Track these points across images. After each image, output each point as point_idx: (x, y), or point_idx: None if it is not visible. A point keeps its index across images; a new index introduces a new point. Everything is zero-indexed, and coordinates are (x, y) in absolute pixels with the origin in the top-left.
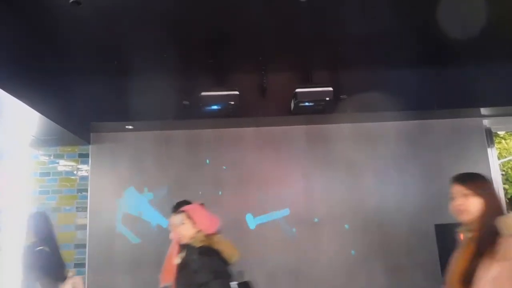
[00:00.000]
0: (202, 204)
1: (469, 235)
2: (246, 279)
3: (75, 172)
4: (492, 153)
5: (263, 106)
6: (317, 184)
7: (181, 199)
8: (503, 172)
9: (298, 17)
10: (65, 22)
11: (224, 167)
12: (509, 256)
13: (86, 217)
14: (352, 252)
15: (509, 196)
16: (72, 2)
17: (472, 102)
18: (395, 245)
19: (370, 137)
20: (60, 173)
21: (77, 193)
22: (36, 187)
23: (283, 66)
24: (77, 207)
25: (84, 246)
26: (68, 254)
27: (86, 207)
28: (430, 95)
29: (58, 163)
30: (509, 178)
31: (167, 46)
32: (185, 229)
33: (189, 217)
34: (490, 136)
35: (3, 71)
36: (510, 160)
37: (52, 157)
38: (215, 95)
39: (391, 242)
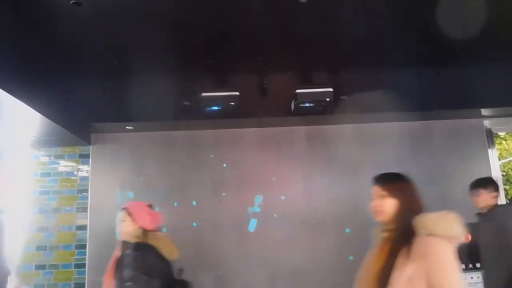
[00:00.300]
0: (150, 205)
1: (385, 235)
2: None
3: (75, 173)
4: (493, 154)
5: (263, 106)
6: (318, 185)
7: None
8: (504, 173)
9: (298, 18)
10: (66, 22)
11: (224, 165)
12: (423, 254)
13: (86, 218)
14: (350, 257)
15: (509, 197)
16: (73, 2)
17: (473, 102)
18: None
19: (370, 137)
20: (60, 173)
21: (78, 193)
22: (36, 188)
23: (283, 66)
24: (77, 208)
25: (84, 246)
26: (69, 255)
27: (87, 208)
28: (430, 95)
29: (58, 163)
30: (509, 179)
31: (167, 47)
32: (124, 225)
33: (130, 214)
34: (490, 137)
35: (3, 72)
36: (510, 161)
37: (52, 158)
38: (215, 96)
39: None
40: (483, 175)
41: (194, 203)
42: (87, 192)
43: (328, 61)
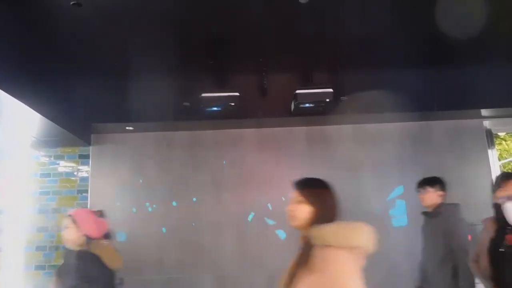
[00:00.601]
0: (99, 212)
1: (300, 241)
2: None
3: (75, 173)
4: (493, 154)
5: (263, 107)
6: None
7: (181, 200)
8: None
9: (298, 18)
10: (66, 23)
11: (224, 165)
12: (319, 265)
13: None
14: None
15: None
16: (73, 3)
17: (473, 103)
18: (396, 245)
19: (370, 138)
20: (60, 174)
21: (77, 194)
22: (36, 188)
23: (283, 67)
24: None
25: None
26: None
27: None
28: (430, 95)
29: (58, 164)
30: None
31: (167, 47)
32: (68, 233)
33: (74, 221)
34: (490, 137)
35: (4, 72)
36: (510, 161)
37: (52, 158)
38: (215, 96)
39: (391, 242)
40: (483, 175)
41: (194, 201)
42: (87, 192)
43: (328, 61)
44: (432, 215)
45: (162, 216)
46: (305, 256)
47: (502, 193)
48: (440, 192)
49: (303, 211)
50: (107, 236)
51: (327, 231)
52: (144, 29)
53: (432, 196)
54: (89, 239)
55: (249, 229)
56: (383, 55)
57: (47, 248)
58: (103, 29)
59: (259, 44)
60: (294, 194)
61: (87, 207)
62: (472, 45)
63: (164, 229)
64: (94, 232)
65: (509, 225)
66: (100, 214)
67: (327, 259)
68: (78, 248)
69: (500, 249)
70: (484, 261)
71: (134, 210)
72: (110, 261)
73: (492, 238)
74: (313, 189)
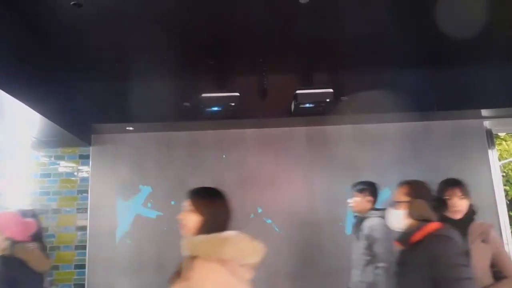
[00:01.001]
0: (30, 211)
1: None
2: None
3: (75, 173)
4: (493, 154)
5: (263, 107)
6: (318, 186)
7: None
8: (504, 174)
9: (298, 18)
10: (66, 23)
11: (224, 165)
12: (186, 277)
13: (86, 219)
14: None
15: (510, 198)
16: (73, 3)
17: (473, 103)
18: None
19: (370, 138)
20: (60, 174)
21: (78, 194)
22: (36, 188)
23: (283, 67)
24: (77, 209)
25: (84, 247)
26: (68, 256)
27: (87, 209)
28: (430, 96)
29: (58, 164)
30: (509, 180)
31: (167, 48)
32: None
33: None
34: (490, 138)
35: (4, 72)
36: (510, 161)
37: (52, 158)
38: (215, 97)
39: (391, 242)
40: (483, 175)
41: None
42: (87, 193)
43: (328, 61)
44: (360, 220)
45: (162, 216)
46: (181, 265)
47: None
48: (369, 198)
49: (192, 220)
50: (35, 237)
51: (197, 243)
52: (144, 29)
53: (361, 202)
54: (13, 242)
55: (249, 229)
56: (383, 55)
57: (47, 248)
58: (103, 29)
59: (259, 44)
60: (186, 203)
61: (87, 207)
62: (472, 45)
63: (164, 229)
64: (18, 234)
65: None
66: (31, 214)
67: (192, 269)
68: (1, 253)
69: None
70: None
71: (134, 210)
72: (37, 265)
73: None
74: (203, 199)
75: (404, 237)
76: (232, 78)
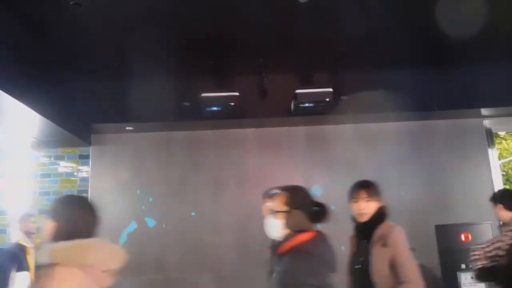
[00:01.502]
0: None
1: None
2: None
3: (75, 173)
4: (493, 153)
5: (263, 107)
6: (317, 185)
7: (181, 200)
8: (504, 173)
9: (298, 18)
10: (66, 23)
11: (224, 165)
12: (45, 285)
13: None
14: None
15: None
16: (73, 3)
17: (473, 102)
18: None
19: (370, 138)
20: (60, 174)
21: (78, 194)
22: (36, 188)
23: (283, 67)
24: None
25: None
26: None
27: None
28: (430, 95)
29: (58, 164)
30: (509, 179)
31: (167, 47)
32: None
33: None
34: (490, 137)
35: (4, 73)
36: (510, 160)
37: (52, 158)
38: (215, 96)
39: None
40: (483, 174)
41: (194, 201)
42: (87, 192)
43: (328, 61)
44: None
45: (162, 216)
46: (38, 273)
47: (352, 204)
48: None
49: (48, 226)
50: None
51: (57, 249)
52: (144, 29)
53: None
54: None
55: (249, 229)
56: (383, 55)
57: None
58: (103, 29)
59: (259, 44)
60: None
61: None
62: (472, 45)
63: (164, 229)
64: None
65: (364, 239)
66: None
67: (53, 277)
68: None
69: (355, 266)
70: (348, 278)
71: (134, 210)
72: None
73: (351, 254)
74: (60, 205)
75: (275, 246)
76: (232, 78)
